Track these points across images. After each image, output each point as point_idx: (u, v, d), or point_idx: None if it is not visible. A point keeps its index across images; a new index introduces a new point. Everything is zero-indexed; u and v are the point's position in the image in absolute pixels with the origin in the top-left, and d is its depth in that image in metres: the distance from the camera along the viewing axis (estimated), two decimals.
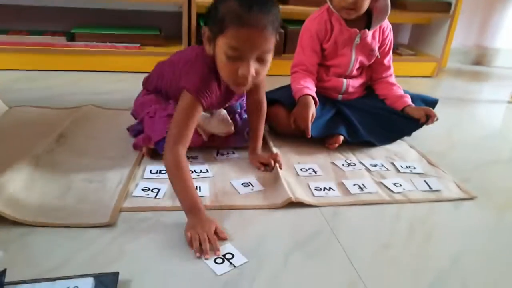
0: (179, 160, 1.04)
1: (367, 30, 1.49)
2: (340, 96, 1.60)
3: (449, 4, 2.57)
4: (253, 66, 0.99)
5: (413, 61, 2.67)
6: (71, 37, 2.26)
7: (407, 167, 1.38)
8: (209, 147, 1.39)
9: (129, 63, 2.23)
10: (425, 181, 1.29)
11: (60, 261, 0.86)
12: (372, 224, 1.08)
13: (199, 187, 1.16)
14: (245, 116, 1.44)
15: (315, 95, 1.43)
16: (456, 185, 1.28)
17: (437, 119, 1.50)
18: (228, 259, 0.89)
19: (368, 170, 1.35)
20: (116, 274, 0.81)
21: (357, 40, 1.50)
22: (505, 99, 2.37)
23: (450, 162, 1.46)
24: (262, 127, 1.37)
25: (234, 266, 0.88)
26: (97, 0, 2.33)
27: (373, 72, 1.63)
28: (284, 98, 1.50)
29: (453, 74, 2.84)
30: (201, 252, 0.90)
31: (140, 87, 1.50)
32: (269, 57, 1.02)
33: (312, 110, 1.38)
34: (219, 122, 1.32)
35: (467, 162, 1.48)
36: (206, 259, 0.89)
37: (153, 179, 1.20)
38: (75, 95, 1.85)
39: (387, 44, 1.58)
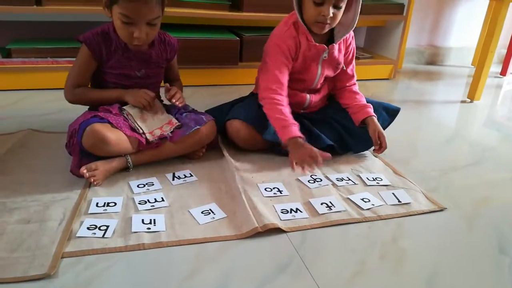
0: (78, 91, 1.33)
1: (334, 45, 1.42)
2: (301, 111, 1.54)
3: (402, 6, 2.59)
4: (144, 30, 1.24)
5: (370, 64, 2.67)
6: (7, 54, 2.05)
7: (373, 179, 1.33)
8: (163, 165, 1.32)
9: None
10: (393, 193, 1.24)
11: None
12: (343, 247, 1.01)
13: (154, 220, 1.05)
14: (184, 114, 1.41)
15: (300, 133, 1.29)
16: (424, 196, 1.24)
17: (384, 149, 1.43)
18: None
19: (334, 185, 1.29)
20: None
21: (325, 55, 1.42)
22: (459, 98, 2.41)
23: (415, 170, 1.43)
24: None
25: None
26: (35, 11, 2.13)
27: (336, 81, 1.56)
28: (243, 116, 1.41)
29: (409, 75, 2.87)
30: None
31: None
32: (158, 21, 1.27)
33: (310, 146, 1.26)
34: (155, 112, 1.37)
35: (432, 169, 1.45)
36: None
37: (100, 214, 1.07)
38: (11, 118, 1.66)
39: (350, 52, 1.51)
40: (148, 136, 1.29)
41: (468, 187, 1.34)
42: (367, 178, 1.33)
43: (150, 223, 1.04)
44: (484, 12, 3.07)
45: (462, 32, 3.26)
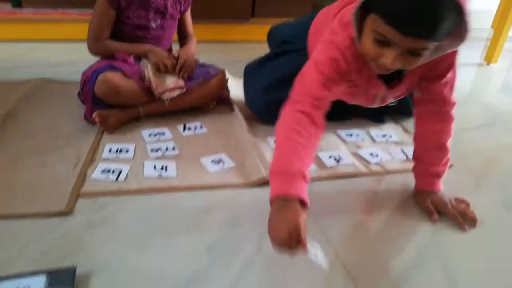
0: (103, 43, 1.31)
1: (400, 84, 0.97)
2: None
3: None
4: None
5: None
6: (18, 3, 2.04)
7: (382, 136, 1.33)
8: (174, 117, 1.34)
9: (83, 31, 2.03)
10: (402, 149, 1.25)
11: (9, 255, 0.77)
12: (349, 199, 1.03)
13: (165, 167, 1.08)
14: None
15: (306, 195, 0.77)
16: None
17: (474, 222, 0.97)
18: None
19: (343, 140, 1.29)
20: (72, 270, 0.73)
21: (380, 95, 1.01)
22: (476, 61, 2.35)
23: None
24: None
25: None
26: None
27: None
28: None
29: None
30: None
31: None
32: None
33: (303, 219, 0.74)
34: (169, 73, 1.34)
35: None
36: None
37: (113, 160, 1.10)
38: (22, 68, 1.67)
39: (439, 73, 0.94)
40: (155, 91, 1.29)
41: (478, 148, 1.34)
42: (376, 134, 1.34)
43: (162, 169, 1.07)
44: None
45: None
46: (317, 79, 0.87)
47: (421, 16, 0.70)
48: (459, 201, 0.99)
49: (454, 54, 0.91)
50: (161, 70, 1.31)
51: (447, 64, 0.92)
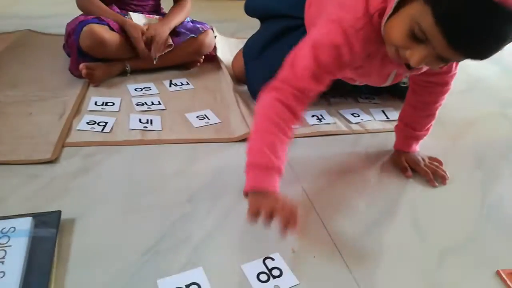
0: (90, 1, 1.28)
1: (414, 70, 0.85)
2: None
3: None
4: None
5: None
6: None
7: (366, 98, 1.36)
8: (161, 73, 1.34)
9: None
10: (383, 110, 1.28)
11: None
12: (329, 156, 1.06)
13: (150, 120, 1.09)
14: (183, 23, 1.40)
15: (278, 187, 0.75)
16: None
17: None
18: None
19: (327, 100, 1.32)
20: (57, 213, 0.76)
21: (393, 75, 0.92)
22: None
23: None
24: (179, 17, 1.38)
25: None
26: None
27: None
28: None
29: None
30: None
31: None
32: None
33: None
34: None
35: None
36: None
37: (99, 112, 1.11)
38: (7, 19, 1.64)
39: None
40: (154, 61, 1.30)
41: (454, 111, 1.37)
42: (360, 96, 1.36)
43: (147, 122, 1.09)
44: None
45: None
46: (309, 67, 0.75)
47: (484, 37, 0.60)
48: (433, 159, 1.04)
49: None
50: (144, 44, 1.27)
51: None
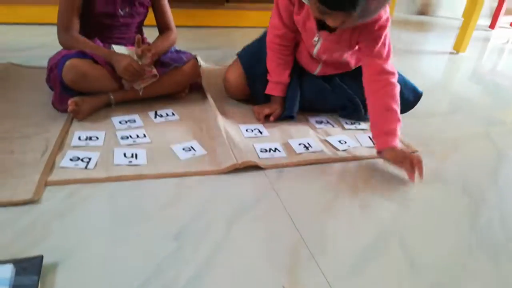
0: (73, 36, 1.27)
1: (329, 33, 1.19)
2: (316, 71, 1.38)
3: None
4: None
5: None
6: None
7: (352, 123, 1.37)
8: (146, 104, 1.33)
9: (53, 14, 1.98)
10: (369, 136, 1.29)
11: None
12: (317, 185, 1.06)
13: (135, 155, 1.08)
14: (167, 54, 1.41)
15: (284, 92, 1.34)
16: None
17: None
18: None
19: (313, 128, 1.32)
20: (39, 258, 0.73)
21: (315, 39, 1.24)
22: (448, 50, 2.41)
23: None
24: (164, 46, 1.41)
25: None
26: None
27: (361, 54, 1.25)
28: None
29: (401, 24, 2.84)
30: None
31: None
32: None
33: (273, 109, 1.34)
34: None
35: (409, 115, 1.49)
36: None
37: (82, 147, 1.09)
38: None
39: (369, 31, 1.15)
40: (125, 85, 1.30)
41: (441, 134, 1.39)
42: (346, 122, 1.37)
43: (132, 157, 1.07)
44: None
45: None
46: (274, 13, 1.24)
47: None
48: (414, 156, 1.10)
49: (382, 18, 1.14)
50: (131, 76, 1.25)
51: (378, 26, 1.14)
